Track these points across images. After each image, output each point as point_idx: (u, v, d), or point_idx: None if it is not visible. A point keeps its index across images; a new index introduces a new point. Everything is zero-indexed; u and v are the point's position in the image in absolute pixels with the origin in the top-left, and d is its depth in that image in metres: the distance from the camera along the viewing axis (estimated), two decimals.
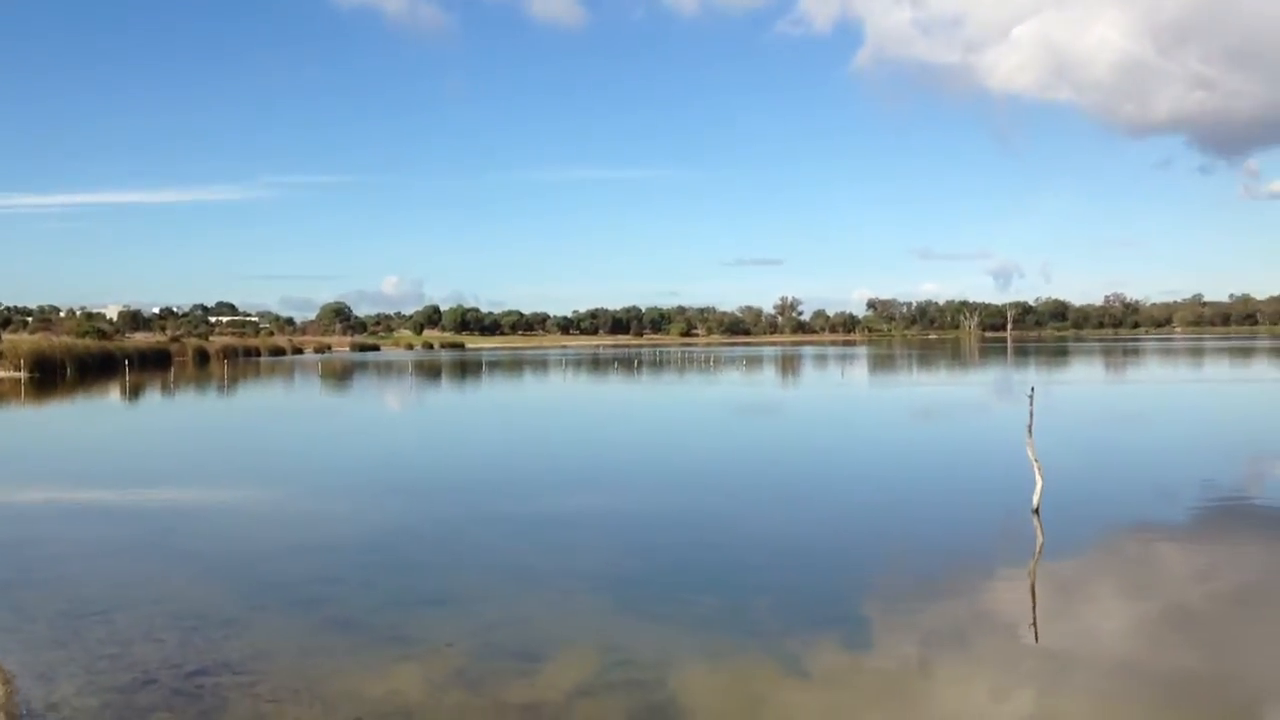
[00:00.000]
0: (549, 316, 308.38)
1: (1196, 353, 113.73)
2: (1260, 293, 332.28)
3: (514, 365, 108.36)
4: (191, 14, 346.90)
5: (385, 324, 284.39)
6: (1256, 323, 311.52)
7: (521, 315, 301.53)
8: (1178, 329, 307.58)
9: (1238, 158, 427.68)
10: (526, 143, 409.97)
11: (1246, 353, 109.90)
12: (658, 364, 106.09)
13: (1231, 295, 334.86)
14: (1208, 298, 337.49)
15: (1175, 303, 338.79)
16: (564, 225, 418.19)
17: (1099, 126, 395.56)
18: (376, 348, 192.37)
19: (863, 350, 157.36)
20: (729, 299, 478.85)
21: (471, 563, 15.49)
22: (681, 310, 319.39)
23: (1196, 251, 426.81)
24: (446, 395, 64.15)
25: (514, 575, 14.51)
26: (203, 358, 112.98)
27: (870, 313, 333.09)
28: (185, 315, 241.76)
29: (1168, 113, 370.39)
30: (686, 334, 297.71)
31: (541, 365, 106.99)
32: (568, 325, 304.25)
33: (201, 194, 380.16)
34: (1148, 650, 11.08)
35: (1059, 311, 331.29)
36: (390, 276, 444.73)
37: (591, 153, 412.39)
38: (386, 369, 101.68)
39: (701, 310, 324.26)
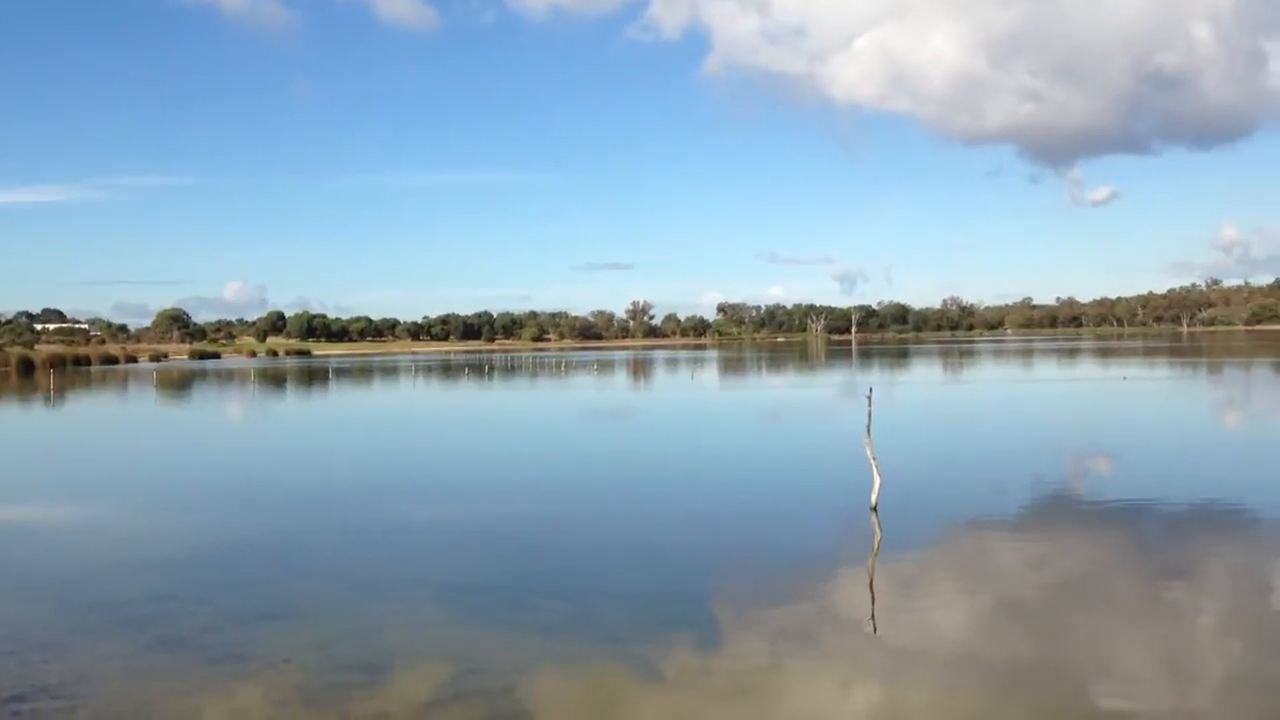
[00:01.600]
0: (399, 322, 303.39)
1: (1026, 354, 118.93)
2: (1084, 296, 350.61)
3: (363, 372, 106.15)
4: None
5: (226, 331, 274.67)
6: (1080, 324, 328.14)
7: (370, 321, 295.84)
8: (1009, 331, 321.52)
9: (1064, 167, 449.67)
10: (375, 146, 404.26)
11: (1071, 353, 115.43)
12: (510, 369, 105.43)
13: (1058, 298, 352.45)
14: (1036, 301, 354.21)
15: (1007, 306, 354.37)
16: (414, 230, 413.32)
17: (936, 136, 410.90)
18: (217, 355, 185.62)
19: (713, 354, 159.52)
20: (581, 303, 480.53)
21: (314, 575, 15.04)
22: (534, 315, 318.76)
23: (1027, 256, 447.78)
24: (291, 404, 62.40)
25: (357, 586, 14.15)
26: (27, 367, 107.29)
27: (720, 316, 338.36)
28: (8, 323, 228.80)
29: (999, 124, 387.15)
30: (539, 339, 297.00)
31: (391, 372, 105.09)
32: (418, 331, 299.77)
33: (24, 194, 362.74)
34: (983, 640, 11.46)
35: (900, 314, 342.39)
36: (232, 282, 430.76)
37: (442, 157, 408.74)
38: (228, 377, 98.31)
39: (553, 315, 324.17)
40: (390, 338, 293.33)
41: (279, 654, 11.13)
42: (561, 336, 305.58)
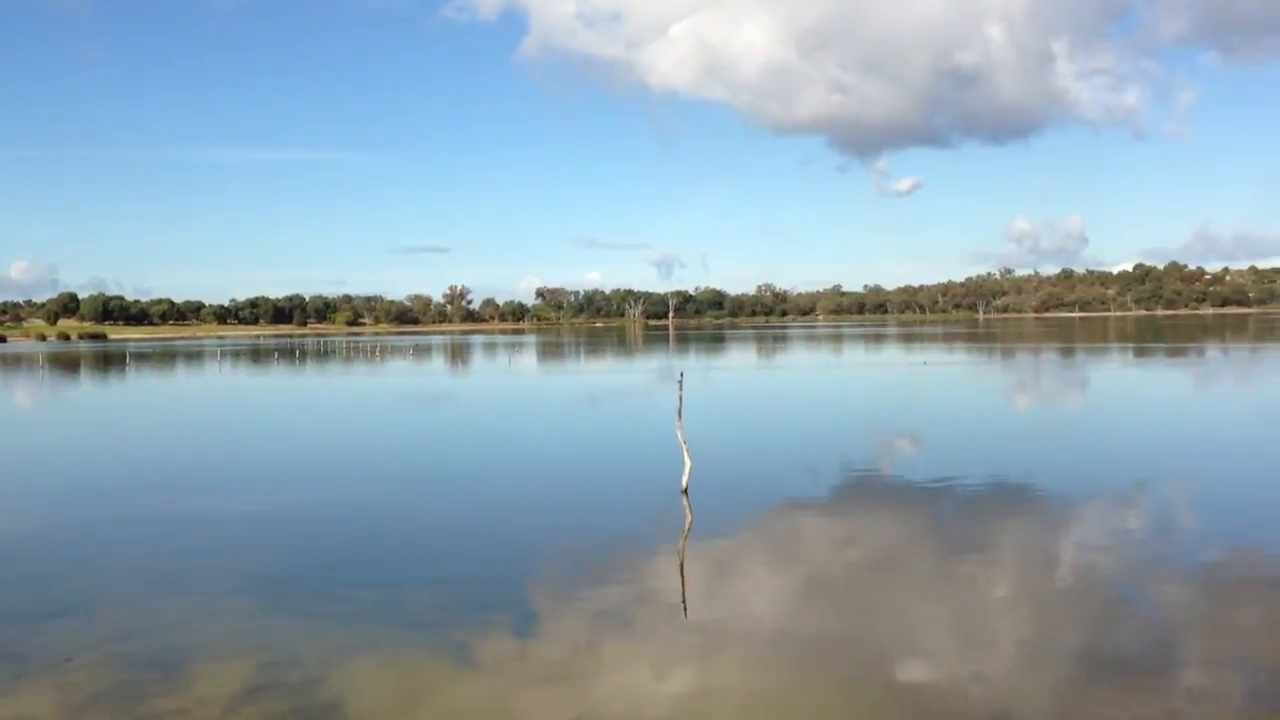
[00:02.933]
0: (204, 305, 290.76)
1: (836, 339, 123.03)
2: (890, 283, 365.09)
3: (164, 357, 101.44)
4: None
5: (13, 313, 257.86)
6: (886, 311, 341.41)
7: (173, 304, 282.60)
8: (820, 317, 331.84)
9: (870, 158, 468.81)
10: (178, 119, 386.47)
11: (878, 339, 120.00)
12: (323, 354, 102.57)
13: (866, 286, 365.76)
14: (845, 288, 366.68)
15: (818, 292, 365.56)
16: (221, 208, 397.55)
17: (750, 125, 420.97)
18: (2, 339, 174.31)
19: (532, 339, 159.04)
20: (397, 288, 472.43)
21: (105, 568, 14.21)
22: (348, 299, 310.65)
23: (836, 245, 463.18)
24: (86, 391, 59.05)
25: (152, 580, 13.44)
26: None
27: (539, 301, 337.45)
28: None
29: (809, 114, 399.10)
30: (353, 323, 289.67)
31: (196, 357, 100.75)
32: (225, 314, 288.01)
33: None
34: (791, 618, 11.71)
35: (717, 300, 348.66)
36: (18, 261, 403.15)
37: (251, 133, 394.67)
38: (14, 362, 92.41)
39: (369, 299, 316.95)
40: (195, 321, 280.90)
41: (61, 653, 10.47)
42: (377, 321, 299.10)
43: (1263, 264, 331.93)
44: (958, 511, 17.33)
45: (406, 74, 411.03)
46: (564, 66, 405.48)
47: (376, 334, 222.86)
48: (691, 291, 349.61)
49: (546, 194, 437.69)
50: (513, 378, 60.95)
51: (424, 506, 18.73)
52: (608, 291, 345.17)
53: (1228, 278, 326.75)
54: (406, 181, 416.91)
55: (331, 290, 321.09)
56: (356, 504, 18.93)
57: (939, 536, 15.53)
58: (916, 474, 21.00)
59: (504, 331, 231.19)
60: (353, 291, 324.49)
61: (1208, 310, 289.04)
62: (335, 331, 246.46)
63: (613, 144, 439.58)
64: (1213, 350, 73.84)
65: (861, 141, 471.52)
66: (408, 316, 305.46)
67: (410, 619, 11.64)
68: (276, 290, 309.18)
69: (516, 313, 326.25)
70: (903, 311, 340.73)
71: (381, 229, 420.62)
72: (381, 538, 16.04)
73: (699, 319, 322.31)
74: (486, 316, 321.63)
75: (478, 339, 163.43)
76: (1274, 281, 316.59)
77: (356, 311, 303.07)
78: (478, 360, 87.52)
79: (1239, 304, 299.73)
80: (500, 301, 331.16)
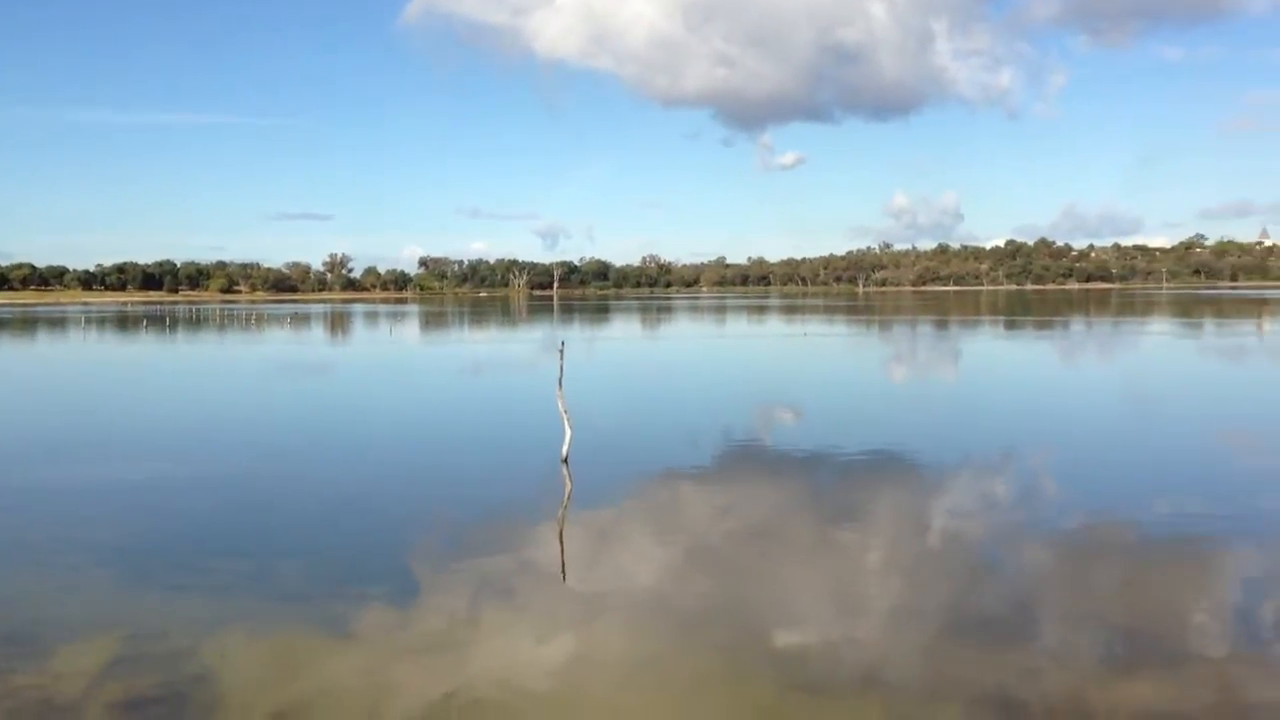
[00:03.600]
0: (68, 270, 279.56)
1: (719, 310, 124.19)
2: (773, 256, 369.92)
3: (23, 324, 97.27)
4: None
5: None
6: (769, 283, 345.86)
7: (35, 269, 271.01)
8: (704, 288, 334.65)
9: (755, 132, 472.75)
10: (45, 79, 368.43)
11: (761, 310, 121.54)
12: (195, 322, 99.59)
13: (749, 258, 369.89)
14: (730, 260, 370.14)
15: (702, 264, 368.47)
16: (86, 171, 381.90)
17: (637, 96, 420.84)
18: None
19: (414, 308, 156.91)
20: (275, 255, 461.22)
21: None
22: (222, 265, 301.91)
23: (721, 217, 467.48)
24: None
25: (5, 554, 12.90)
26: None
27: (422, 270, 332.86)
28: None
29: (696, 87, 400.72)
30: (228, 290, 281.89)
31: (59, 324, 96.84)
32: (90, 280, 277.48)
33: None
34: (671, 586, 11.79)
35: (601, 271, 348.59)
36: None
37: (120, 91, 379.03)
38: None
39: (244, 266, 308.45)
40: (58, 287, 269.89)
41: None
42: (254, 289, 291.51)
43: (1125, 241, 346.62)
44: (835, 480, 17.66)
45: (286, 38, 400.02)
46: (448, 33, 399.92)
47: (253, 302, 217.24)
48: (576, 262, 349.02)
49: (431, 162, 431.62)
50: (394, 347, 60.06)
51: (299, 477, 18.34)
52: (492, 261, 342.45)
53: (1093, 254, 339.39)
54: (286, 147, 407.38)
55: (205, 256, 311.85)
56: (227, 476, 18.42)
57: (817, 505, 15.81)
58: (796, 443, 21.35)
59: (386, 301, 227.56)
60: (228, 258, 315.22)
61: (1074, 285, 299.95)
62: (209, 299, 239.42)
63: (498, 113, 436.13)
64: (1078, 324, 76.61)
65: (747, 115, 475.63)
66: (286, 284, 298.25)
67: (283, 591, 11.39)
68: (145, 255, 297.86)
69: (399, 282, 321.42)
70: (785, 284, 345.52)
71: (260, 195, 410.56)
72: (254, 509, 15.65)
73: (584, 290, 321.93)
74: (368, 285, 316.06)
75: (359, 308, 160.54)
76: (1135, 259, 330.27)
77: (231, 279, 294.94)
78: (358, 329, 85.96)
79: (1103, 279, 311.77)
80: (382, 270, 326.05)
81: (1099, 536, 13.62)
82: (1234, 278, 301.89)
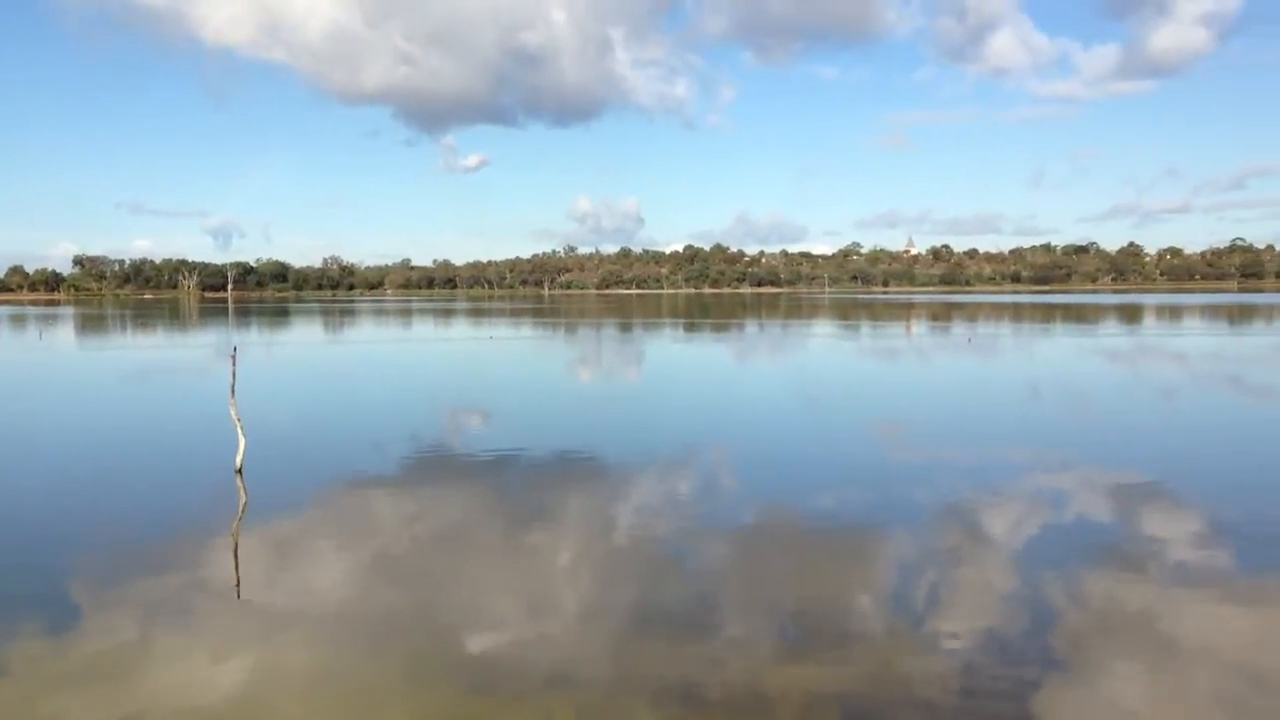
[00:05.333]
0: None
1: (405, 314, 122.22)
2: (459, 259, 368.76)
3: None
4: None
5: None
6: (456, 286, 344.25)
7: None
8: (389, 291, 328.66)
9: (438, 133, 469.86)
10: None
11: (447, 314, 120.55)
12: None
13: (435, 260, 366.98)
14: (415, 262, 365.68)
15: (387, 266, 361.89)
16: None
17: (316, 92, 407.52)
18: None
19: (69, 310, 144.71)
20: None
21: None
22: None
23: (405, 219, 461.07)
24: None
25: None
26: None
27: (77, 270, 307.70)
28: None
29: (376, 85, 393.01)
30: None
31: None
32: None
33: None
34: (357, 596, 11.48)
35: (280, 273, 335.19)
36: None
37: None
38: None
39: None
40: None
41: None
42: None
43: (792, 248, 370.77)
44: (523, 482, 17.78)
45: None
46: (103, 14, 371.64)
47: None
48: (253, 263, 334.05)
49: (85, 153, 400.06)
50: (46, 353, 55.15)
51: None
52: (159, 261, 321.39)
53: (763, 260, 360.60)
54: None
55: None
56: None
57: (505, 507, 15.86)
58: (484, 447, 21.32)
59: (35, 303, 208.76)
60: None
61: (747, 289, 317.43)
62: None
63: (163, 103, 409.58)
64: (751, 327, 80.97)
65: (429, 116, 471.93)
66: None
67: None
68: None
69: (50, 282, 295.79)
70: (472, 287, 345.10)
71: None
72: None
73: (261, 292, 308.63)
74: (14, 286, 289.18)
75: (2, 310, 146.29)
76: (801, 265, 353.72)
77: None
78: (2, 335, 78.27)
79: (773, 284, 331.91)
80: (30, 270, 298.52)
81: (772, 528, 14.44)
82: (886, 283, 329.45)
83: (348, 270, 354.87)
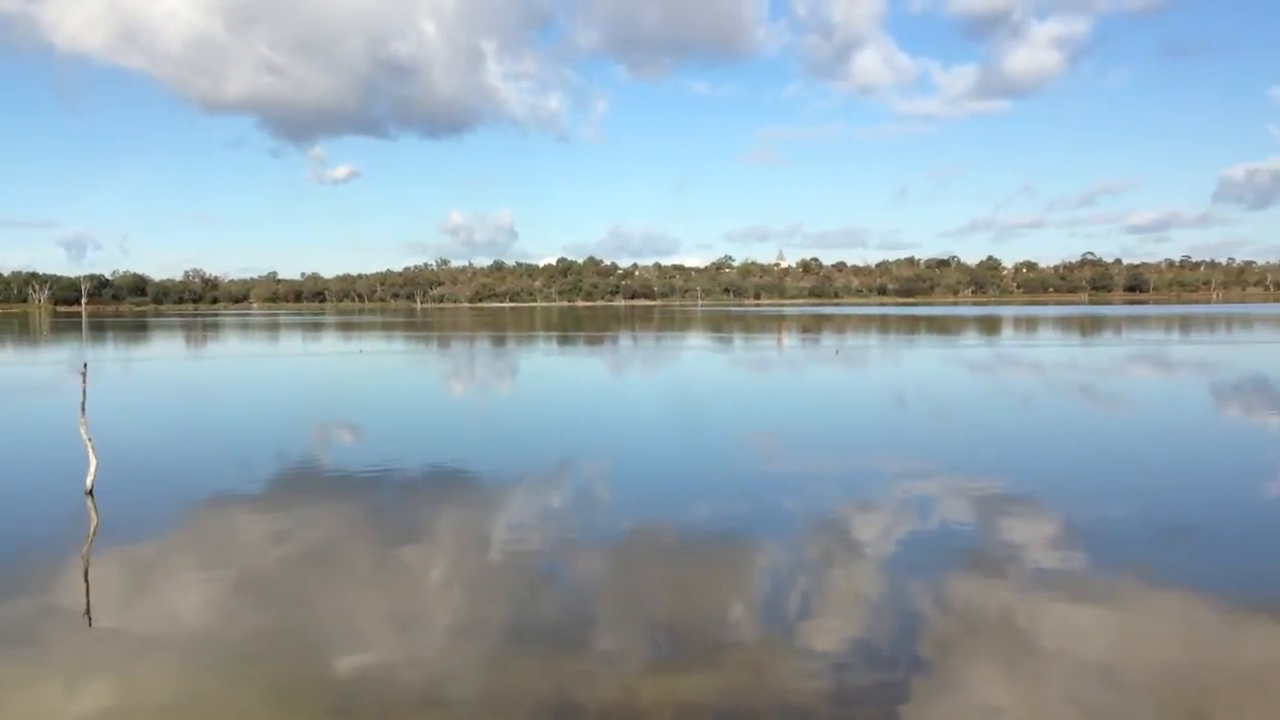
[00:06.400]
0: None
1: (271, 328, 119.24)
2: (328, 272, 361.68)
3: None
4: None
5: None
6: (325, 299, 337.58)
7: None
8: (255, 305, 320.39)
9: (306, 144, 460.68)
10: None
11: (316, 328, 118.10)
12: None
13: (303, 274, 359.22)
14: (282, 275, 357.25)
15: (252, 279, 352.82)
16: None
17: (175, 100, 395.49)
18: None
19: None
20: None
21: None
22: None
23: (271, 231, 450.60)
24: None
25: None
26: None
27: None
28: None
29: (240, 94, 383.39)
30: None
31: None
32: None
33: None
34: (219, 620, 11.08)
35: (139, 286, 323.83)
36: None
37: None
38: None
39: None
40: None
41: None
42: None
43: (665, 261, 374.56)
44: (396, 499, 17.45)
45: None
46: None
47: None
48: (109, 276, 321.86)
49: None
50: None
51: None
52: (7, 274, 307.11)
53: (637, 273, 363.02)
54: None
55: None
56: None
57: (377, 525, 15.53)
58: (355, 463, 20.88)
59: None
60: None
61: (620, 302, 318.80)
62: None
63: (8, 109, 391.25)
64: (625, 339, 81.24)
65: (296, 126, 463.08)
66: None
67: None
68: None
69: None
70: (341, 300, 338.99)
71: None
72: None
73: (118, 306, 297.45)
74: None
75: None
76: (674, 277, 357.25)
77: None
78: None
79: (646, 296, 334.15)
80: None
81: (646, 541, 14.44)
82: (757, 295, 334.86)
83: (211, 283, 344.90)
